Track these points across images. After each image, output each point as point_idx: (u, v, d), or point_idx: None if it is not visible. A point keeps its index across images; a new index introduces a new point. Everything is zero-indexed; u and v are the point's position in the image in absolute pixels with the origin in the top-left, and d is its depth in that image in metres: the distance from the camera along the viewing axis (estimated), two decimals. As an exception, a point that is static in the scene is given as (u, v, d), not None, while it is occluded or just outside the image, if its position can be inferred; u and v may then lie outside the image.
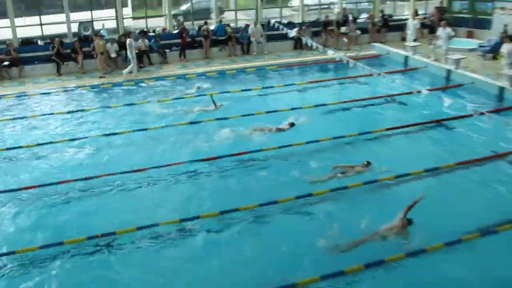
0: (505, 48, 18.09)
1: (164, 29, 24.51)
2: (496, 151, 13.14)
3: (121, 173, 12.08)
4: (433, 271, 8.75)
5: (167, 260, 9.21)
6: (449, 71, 19.84)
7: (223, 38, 23.33)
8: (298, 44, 24.12)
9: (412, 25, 23.06)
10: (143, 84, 19.69)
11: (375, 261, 8.73)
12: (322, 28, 24.81)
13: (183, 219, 10.10)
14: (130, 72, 20.44)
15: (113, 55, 21.36)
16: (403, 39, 24.76)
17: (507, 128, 12.92)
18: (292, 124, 14.60)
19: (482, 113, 13.19)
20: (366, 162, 12.12)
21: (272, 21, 22.56)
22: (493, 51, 21.40)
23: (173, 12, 25.79)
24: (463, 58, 20.41)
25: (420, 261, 8.91)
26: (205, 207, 10.70)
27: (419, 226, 9.65)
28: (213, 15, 25.83)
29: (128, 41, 20.24)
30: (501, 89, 17.61)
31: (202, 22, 23.84)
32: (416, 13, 25.60)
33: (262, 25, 23.33)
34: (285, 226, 10.25)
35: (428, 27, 25.12)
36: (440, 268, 8.82)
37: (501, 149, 13.25)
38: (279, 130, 14.39)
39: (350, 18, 24.85)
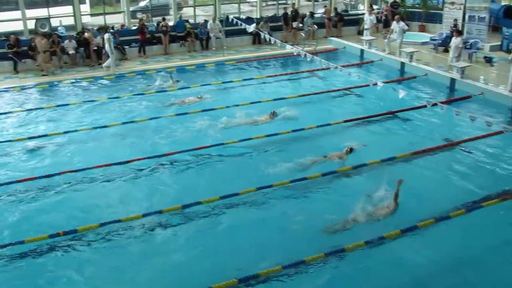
0: (453, 41, 18.78)
1: (122, 26, 24.37)
2: (450, 140, 13.73)
3: (82, 169, 12.09)
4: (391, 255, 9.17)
5: (130, 255, 9.29)
6: (403, 64, 20.46)
7: (182, 34, 23.34)
8: (256, 39, 24.35)
9: (369, 20, 23.57)
10: (104, 81, 19.55)
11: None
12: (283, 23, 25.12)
13: (145, 213, 10.24)
14: (109, 66, 20.55)
15: (71, 52, 21.13)
16: (359, 33, 25.27)
17: (459, 118, 13.44)
18: (274, 114, 15.12)
19: (435, 104, 13.66)
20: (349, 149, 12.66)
21: (231, 16, 22.70)
22: (444, 44, 22.14)
23: (131, 8, 25.64)
24: (416, 51, 21.08)
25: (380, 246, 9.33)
26: (166, 201, 10.84)
27: None
28: (171, 11, 25.78)
29: (106, 35, 20.21)
30: (453, 81, 18.28)
31: (160, 18, 23.73)
32: (371, 8, 26.19)
33: (221, 21, 23.44)
34: (245, 219, 10.47)
35: (383, 22, 25.73)
36: (397, 252, 9.25)
37: (454, 138, 13.84)
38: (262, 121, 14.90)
39: (308, 13, 25.20)
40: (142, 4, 30.62)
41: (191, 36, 23.28)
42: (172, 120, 15.22)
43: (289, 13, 24.90)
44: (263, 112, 15.49)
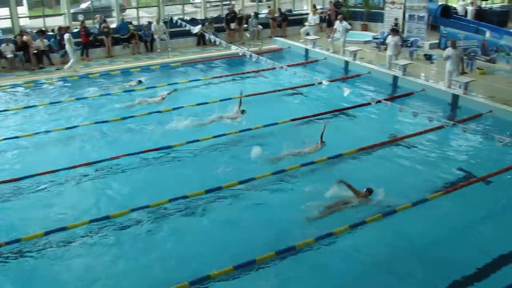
0: (390, 39, 19.23)
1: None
2: (394, 135, 14.04)
3: (38, 174, 11.79)
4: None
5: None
6: (347, 62, 20.83)
7: (125, 36, 22.96)
8: (201, 40, 24.23)
9: (313, 19, 23.81)
10: (45, 85, 18.99)
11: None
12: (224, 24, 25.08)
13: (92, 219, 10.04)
14: (71, 66, 20.23)
15: (9, 55, 20.42)
16: (308, 34, 25.41)
17: (401, 114, 13.77)
18: (243, 111, 15.07)
19: (378, 101, 13.94)
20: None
21: (175, 18, 22.53)
22: (386, 43, 22.62)
23: (72, 10, 25.02)
24: (360, 49, 21.50)
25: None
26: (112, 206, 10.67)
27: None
28: (114, 13, 25.30)
29: (66, 36, 19.93)
30: (395, 78, 18.74)
31: (102, 20, 23.26)
32: (315, 8, 26.51)
33: (165, 22, 23.18)
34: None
35: (326, 21, 26.10)
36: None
37: (398, 134, 14.17)
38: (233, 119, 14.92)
39: (252, 13, 25.25)
40: (83, 6, 29.96)
41: (135, 38, 22.92)
42: (115, 124, 14.97)
43: (229, 15, 24.89)
44: (210, 113, 15.40)
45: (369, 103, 14.19)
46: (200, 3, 26.45)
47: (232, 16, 24.91)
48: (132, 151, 12.79)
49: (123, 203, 10.73)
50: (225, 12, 25.67)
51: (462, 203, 10.93)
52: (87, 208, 10.69)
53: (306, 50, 22.92)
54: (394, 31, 19.66)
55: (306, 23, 24.56)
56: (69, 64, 20.26)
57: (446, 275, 8.63)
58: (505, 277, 8.59)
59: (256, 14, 25.45)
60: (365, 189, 10.66)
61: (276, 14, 26.47)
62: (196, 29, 21.29)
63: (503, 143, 11.35)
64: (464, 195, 11.12)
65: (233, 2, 27.67)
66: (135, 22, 24.53)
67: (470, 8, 28.15)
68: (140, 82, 18.65)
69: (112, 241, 9.63)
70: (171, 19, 22.41)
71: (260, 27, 24.96)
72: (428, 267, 8.85)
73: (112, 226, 9.96)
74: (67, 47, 20.07)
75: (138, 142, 13.59)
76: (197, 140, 13.50)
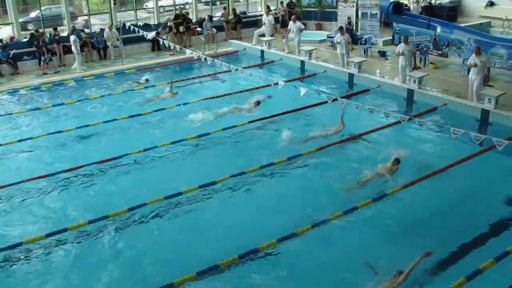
0: (340, 38, 19.38)
1: (12, 38, 23.06)
2: (352, 133, 14.13)
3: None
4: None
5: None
6: (303, 62, 20.89)
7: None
8: (156, 46, 23.93)
9: (267, 20, 23.80)
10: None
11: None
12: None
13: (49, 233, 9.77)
14: (77, 67, 20.75)
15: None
16: (261, 35, 25.35)
17: (358, 111, 13.84)
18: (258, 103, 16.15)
19: (335, 99, 13.99)
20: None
21: (128, 24, 22.19)
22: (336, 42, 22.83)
23: (21, 19, 24.35)
24: (315, 49, 21.64)
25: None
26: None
27: (289, 210, 10.42)
28: (65, 21, 24.74)
29: (72, 37, 20.51)
30: (351, 76, 18.90)
31: (58, 29, 22.65)
32: (268, 9, 26.56)
33: (118, 29, 22.80)
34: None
35: (280, 22, 26.17)
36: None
37: (356, 130, 14.26)
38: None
39: (206, 17, 25.08)
40: (32, 15, 29.19)
41: (87, 45, 22.46)
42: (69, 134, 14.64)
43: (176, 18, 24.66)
44: (168, 119, 15.25)
45: (326, 102, 14.24)
46: (153, 8, 26.14)
47: (182, 20, 24.63)
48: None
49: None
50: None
51: (420, 196, 11.11)
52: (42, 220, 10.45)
53: (262, 52, 22.91)
54: (342, 29, 19.81)
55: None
56: (75, 65, 20.89)
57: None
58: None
59: (210, 17, 25.28)
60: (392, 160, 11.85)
61: (231, 16, 26.39)
62: (150, 34, 21.02)
63: (457, 135, 11.52)
64: (422, 188, 11.32)
65: (186, 6, 27.47)
66: (87, 30, 24.07)
67: (417, 4, 28.63)
68: (147, 80, 19.21)
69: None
70: (124, 25, 22.06)
71: (215, 30, 24.82)
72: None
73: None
74: (73, 48, 20.59)
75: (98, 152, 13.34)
76: (155, 147, 13.40)
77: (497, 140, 10.68)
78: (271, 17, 24.13)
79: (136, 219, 10.39)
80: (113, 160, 12.77)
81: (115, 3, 23.25)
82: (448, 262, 9.03)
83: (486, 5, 30.32)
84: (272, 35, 23.97)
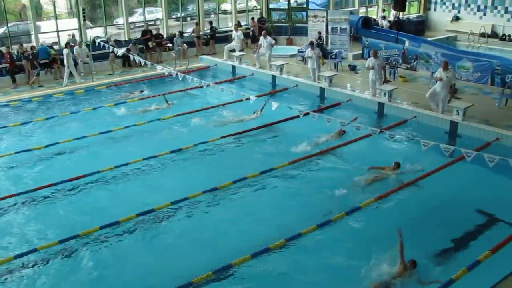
0: (310, 53, 19.54)
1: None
2: (324, 147, 14.20)
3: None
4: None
5: None
6: (274, 77, 20.98)
7: (47, 61, 22.17)
8: (126, 62, 23.78)
9: (236, 36, 23.89)
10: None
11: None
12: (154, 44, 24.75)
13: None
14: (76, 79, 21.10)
15: None
16: (231, 50, 25.40)
17: (329, 125, 13.92)
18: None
19: (307, 113, 14.07)
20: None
21: (98, 40, 22.01)
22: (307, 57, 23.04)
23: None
24: (286, 63, 21.76)
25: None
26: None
27: (267, 222, 10.54)
28: (33, 38, 24.41)
29: (65, 51, 20.55)
30: (322, 90, 19.04)
31: (26, 46, 22.30)
32: (239, 25, 26.68)
33: (87, 45, 22.60)
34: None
35: (251, 37, 26.31)
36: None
37: (327, 145, 14.34)
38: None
39: (177, 33, 25.04)
40: None
41: (56, 62, 22.17)
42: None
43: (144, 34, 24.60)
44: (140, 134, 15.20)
45: (298, 116, 14.29)
46: (123, 24, 26.00)
47: (151, 36, 24.53)
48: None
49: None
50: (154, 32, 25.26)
51: (393, 207, 11.20)
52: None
53: (233, 67, 22.95)
54: (312, 44, 20.00)
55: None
56: (76, 79, 21.08)
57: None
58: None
59: (181, 33, 25.25)
60: (393, 164, 12.60)
61: (207, 29, 26.39)
62: (121, 50, 20.88)
63: (427, 147, 11.68)
64: (395, 200, 11.45)
65: (157, 22, 27.40)
66: (56, 47, 23.78)
67: (384, 19, 29.14)
68: (142, 92, 19.66)
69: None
70: (94, 42, 21.87)
71: (186, 46, 24.78)
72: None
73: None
74: (65, 62, 20.59)
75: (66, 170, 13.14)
76: (127, 163, 13.25)
77: (465, 151, 10.85)
78: (240, 33, 24.21)
79: (109, 237, 10.23)
80: (84, 177, 12.58)
81: (84, 20, 23.03)
82: (419, 274, 9.07)
83: (452, 19, 31.01)
84: (241, 50, 24.03)
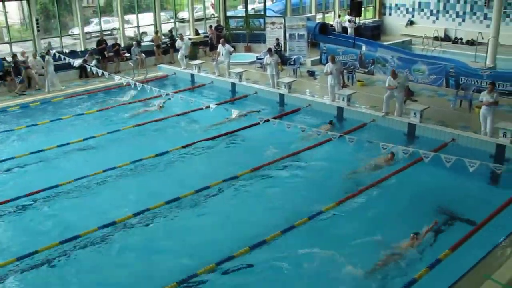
0: (269, 60, 19.65)
1: None
2: (286, 153, 14.24)
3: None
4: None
5: None
6: (233, 84, 20.98)
7: (0, 73, 21.59)
8: (83, 73, 23.39)
9: (184, 45, 23.66)
10: None
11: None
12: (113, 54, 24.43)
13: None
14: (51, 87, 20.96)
15: None
16: (190, 58, 25.22)
17: (290, 131, 13.97)
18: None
19: (267, 120, 14.09)
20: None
21: (53, 51, 21.60)
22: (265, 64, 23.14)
23: None
24: (245, 70, 21.80)
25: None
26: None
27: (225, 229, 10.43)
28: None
29: (46, 57, 20.42)
30: (281, 96, 19.14)
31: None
32: (196, 33, 26.68)
33: (42, 57, 22.14)
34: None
35: (209, 45, 26.30)
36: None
37: (289, 150, 14.39)
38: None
39: (134, 42, 24.81)
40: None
41: (10, 74, 21.61)
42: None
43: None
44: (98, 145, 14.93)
45: (258, 123, 14.31)
46: (79, 34, 25.60)
47: (104, 47, 24.19)
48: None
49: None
50: (110, 42, 24.87)
51: (351, 213, 11.32)
52: None
53: (192, 75, 22.84)
54: (270, 51, 20.12)
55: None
56: (54, 86, 21.06)
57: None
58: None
59: (138, 43, 25.03)
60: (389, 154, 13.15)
61: (165, 38, 26.18)
62: (77, 61, 20.54)
63: (387, 150, 11.85)
64: (357, 203, 11.59)
65: (114, 32, 27.07)
66: (9, 58, 23.21)
67: (347, 24, 29.56)
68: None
69: None
70: (49, 53, 21.43)
71: (143, 55, 24.55)
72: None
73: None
74: (45, 69, 20.61)
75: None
76: (87, 176, 12.98)
77: (423, 153, 11.05)
78: (186, 40, 24.11)
79: (69, 251, 10.03)
80: (42, 192, 12.29)
81: (38, 30, 22.59)
82: (383, 271, 9.23)
83: (407, 24, 31.72)
84: (187, 57, 23.89)
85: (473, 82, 18.52)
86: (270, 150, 14.47)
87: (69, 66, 21.63)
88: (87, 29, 26.46)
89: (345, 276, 9.07)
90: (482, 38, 24.72)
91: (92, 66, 20.72)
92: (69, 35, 26.96)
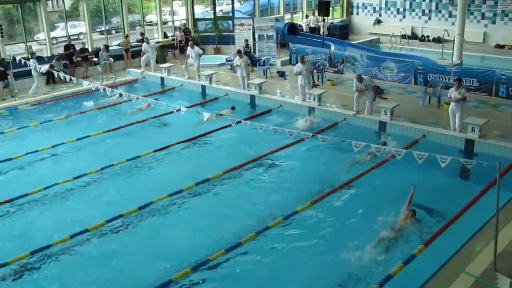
0: (238, 61, 19.64)
1: None
2: (258, 153, 14.23)
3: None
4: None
5: None
6: (204, 87, 20.87)
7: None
8: (50, 79, 22.98)
9: (150, 48, 23.47)
10: None
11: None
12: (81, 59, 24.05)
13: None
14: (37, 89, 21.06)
15: None
16: (157, 61, 25.01)
17: (262, 133, 13.92)
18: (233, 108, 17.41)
19: (239, 122, 14.00)
20: None
21: (18, 57, 21.16)
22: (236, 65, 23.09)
23: None
24: (215, 73, 21.69)
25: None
26: None
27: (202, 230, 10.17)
28: None
29: (31, 61, 20.05)
30: (252, 97, 19.12)
31: None
32: (147, 39, 26.47)
33: (7, 63, 21.68)
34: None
35: (178, 48, 26.14)
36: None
37: (262, 151, 14.37)
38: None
39: (102, 46, 24.50)
40: None
41: (-23, 81, 21.10)
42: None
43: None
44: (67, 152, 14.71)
45: (230, 125, 14.22)
46: (45, 40, 25.16)
47: (73, 50, 23.82)
48: None
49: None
50: (78, 46, 24.47)
51: (330, 210, 11.36)
52: None
53: (162, 79, 22.65)
54: (240, 52, 20.11)
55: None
56: (32, 88, 21.06)
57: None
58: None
59: (106, 47, 24.73)
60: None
61: (133, 42, 25.92)
62: (44, 67, 20.17)
63: (359, 148, 11.87)
64: (331, 202, 11.63)
65: (81, 36, 26.71)
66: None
67: (307, 25, 29.72)
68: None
69: None
70: (14, 59, 21.01)
71: (112, 59, 24.26)
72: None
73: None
74: (33, 72, 20.52)
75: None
76: (56, 184, 12.73)
77: (396, 150, 11.10)
78: (152, 43, 23.93)
79: (41, 262, 9.81)
80: (10, 201, 12.03)
81: (2, 36, 22.14)
82: (358, 267, 9.30)
83: (374, 23, 32.05)
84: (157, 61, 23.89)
85: (441, 79, 18.79)
86: (247, 151, 14.51)
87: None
88: (53, 34, 26.04)
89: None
90: (448, 36, 25.12)
91: (59, 71, 20.35)
92: (35, 40, 26.52)
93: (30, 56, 21.29)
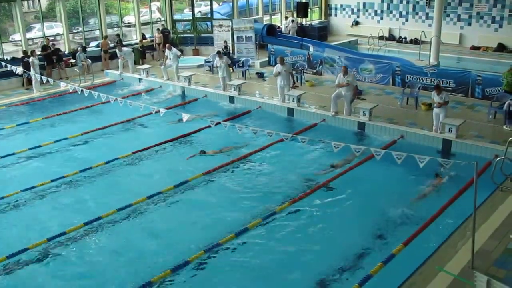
0: (218, 62, 19.63)
1: None
2: (238, 154, 14.23)
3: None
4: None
5: None
6: (183, 88, 20.77)
7: None
8: (26, 80, 22.65)
9: (124, 54, 23.34)
10: None
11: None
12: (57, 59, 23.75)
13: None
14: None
15: None
16: (135, 62, 24.81)
17: (241, 134, 13.92)
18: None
19: (218, 123, 13.97)
20: None
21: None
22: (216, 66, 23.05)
23: None
24: (194, 74, 21.60)
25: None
26: None
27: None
28: None
29: (30, 59, 20.44)
30: (231, 98, 19.09)
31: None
32: (143, 37, 26.36)
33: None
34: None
35: (156, 49, 26.01)
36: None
37: (242, 152, 14.37)
38: None
39: (79, 48, 24.24)
40: None
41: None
42: None
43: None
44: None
45: (209, 126, 14.19)
46: (20, 41, 24.82)
47: (50, 51, 23.53)
48: None
49: None
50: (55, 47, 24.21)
51: (309, 209, 11.39)
52: None
53: (140, 80, 22.49)
54: (219, 53, 20.10)
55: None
56: (35, 87, 21.14)
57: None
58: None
59: (84, 48, 24.47)
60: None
61: (111, 43, 25.68)
62: (20, 69, 19.89)
63: (338, 149, 11.92)
64: (311, 201, 11.67)
65: (58, 37, 26.38)
66: None
67: (291, 25, 29.71)
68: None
69: None
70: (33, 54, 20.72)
71: (89, 61, 24.00)
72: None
73: None
74: (32, 70, 20.22)
75: None
76: (34, 187, 12.53)
77: (375, 150, 11.17)
78: (125, 49, 23.76)
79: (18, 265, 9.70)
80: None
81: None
82: (337, 268, 9.34)
83: (352, 24, 32.22)
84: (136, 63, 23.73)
85: (418, 80, 18.97)
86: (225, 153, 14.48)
87: (11, 74, 20.86)
88: (29, 35, 25.69)
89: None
90: (425, 37, 25.41)
91: (36, 73, 20.07)
92: (10, 41, 26.14)
93: (31, 54, 21.03)
